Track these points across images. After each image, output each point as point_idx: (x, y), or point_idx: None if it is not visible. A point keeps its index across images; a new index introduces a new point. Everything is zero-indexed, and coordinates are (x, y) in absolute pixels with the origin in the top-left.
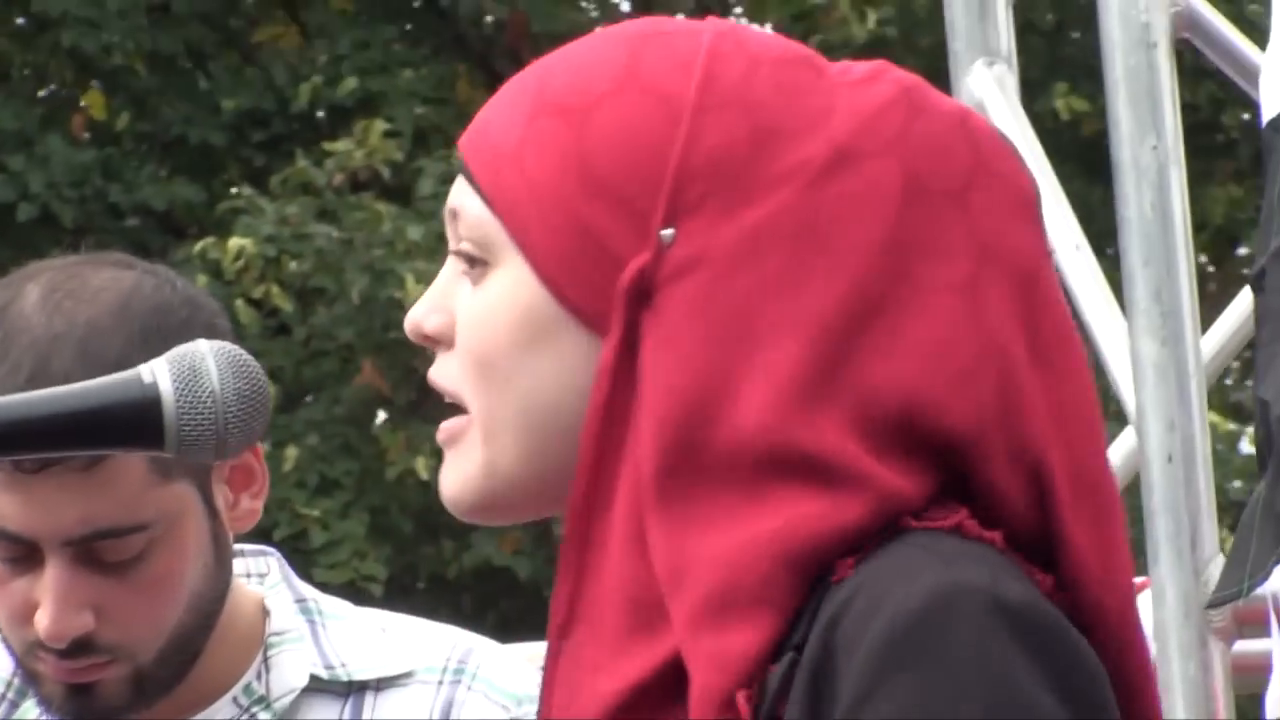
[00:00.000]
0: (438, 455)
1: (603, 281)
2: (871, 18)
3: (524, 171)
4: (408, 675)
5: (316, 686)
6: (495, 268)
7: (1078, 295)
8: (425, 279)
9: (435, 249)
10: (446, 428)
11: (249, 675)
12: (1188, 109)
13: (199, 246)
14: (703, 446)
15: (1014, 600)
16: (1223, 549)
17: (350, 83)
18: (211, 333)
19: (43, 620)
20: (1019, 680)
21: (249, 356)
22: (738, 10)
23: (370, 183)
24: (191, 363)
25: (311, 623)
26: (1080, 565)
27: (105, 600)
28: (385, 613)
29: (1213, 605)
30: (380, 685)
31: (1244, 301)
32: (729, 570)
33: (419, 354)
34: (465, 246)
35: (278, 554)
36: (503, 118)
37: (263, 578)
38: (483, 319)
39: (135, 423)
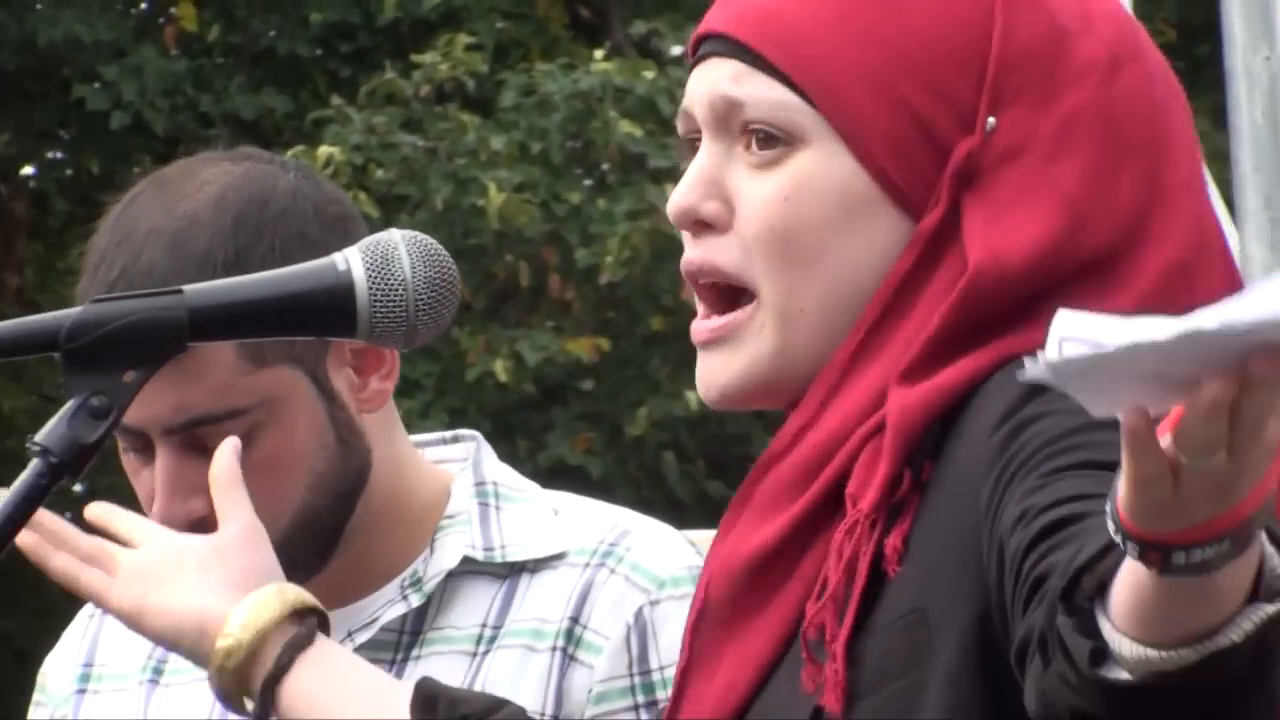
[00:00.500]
0: (515, 358)
1: (925, 165)
2: None
3: (842, 58)
4: (560, 557)
5: (474, 568)
6: (799, 151)
7: None
8: (506, 187)
9: (516, 158)
10: (722, 323)
11: (419, 559)
12: None
13: (289, 154)
14: (1004, 309)
15: None
16: None
17: None
18: (317, 222)
19: (155, 506)
20: None
21: (439, 246)
22: None
23: (454, 94)
24: (384, 251)
25: (484, 505)
26: None
27: None
28: (569, 496)
29: None
30: (536, 566)
31: None
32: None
33: (498, 259)
34: (761, 128)
35: (478, 438)
36: (795, 7)
37: (458, 463)
38: (793, 199)
39: (329, 309)
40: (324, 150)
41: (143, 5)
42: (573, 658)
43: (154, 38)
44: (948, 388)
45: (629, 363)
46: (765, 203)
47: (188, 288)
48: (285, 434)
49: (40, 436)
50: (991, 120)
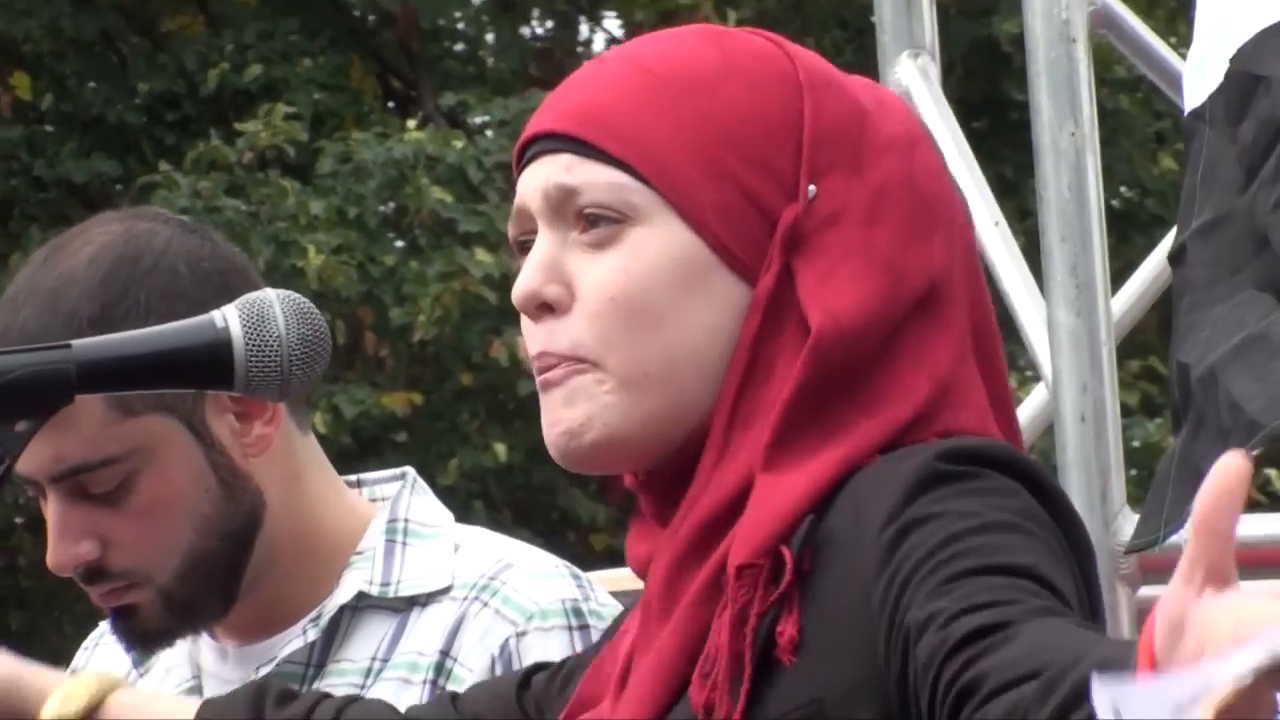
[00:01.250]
0: (334, 411)
1: (755, 231)
2: (732, 17)
3: (667, 138)
4: (445, 591)
5: (373, 603)
6: (634, 227)
7: (997, 268)
8: (324, 249)
9: (334, 222)
10: (570, 386)
11: (328, 596)
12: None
13: None
14: (848, 362)
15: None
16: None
17: (255, 69)
18: (190, 277)
19: (48, 552)
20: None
21: (311, 305)
22: (608, 9)
23: (274, 161)
24: (260, 309)
25: (391, 541)
26: None
27: (104, 529)
28: (479, 531)
29: (1130, 551)
30: (427, 600)
31: (1144, 274)
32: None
33: None
34: (594, 212)
35: (407, 476)
36: (615, 99)
37: (385, 500)
38: (630, 270)
39: (206, 364)
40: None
41: None
42: (441, 690)
43: None
44: (823, 482)
45: (440, 416)
46: (604, 277)
47: (76, 343)
48: (162, 479)
49: None
50: (812, 188)
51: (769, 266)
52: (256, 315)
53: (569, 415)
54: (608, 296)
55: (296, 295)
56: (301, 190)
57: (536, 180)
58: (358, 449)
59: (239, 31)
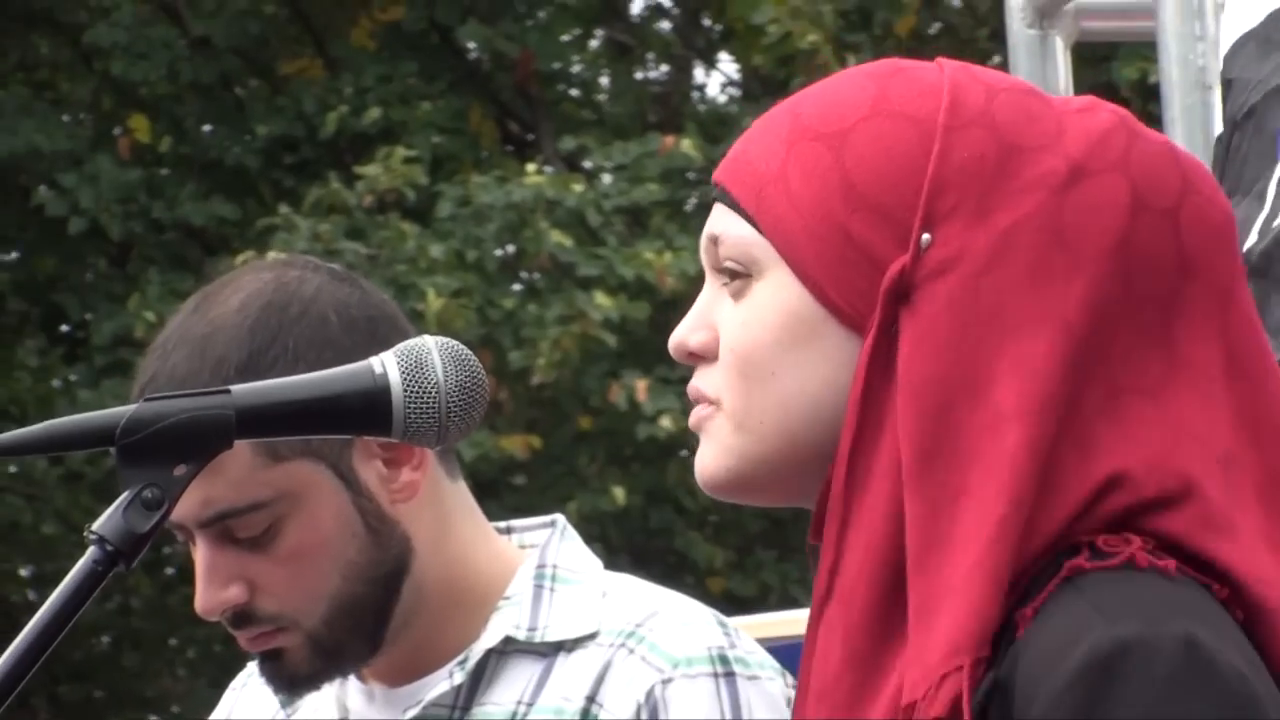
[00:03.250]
0: None
1: (864, 284)
2: (851, 60)
3: (788, 192)
4: (592, 637)
5: (519, 648)
6: (758, 280)
7: None
8: (443, 292)
9: (454, 265)
10: (694, 417)
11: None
12: None
13: (240, 259)
14: (959, 430)
15: (1165, 653)
16: None
17: (374, 113)
18: (339, 325)
19: (196, 596)
20: None
21: (469, 352)
22: (724, 54)
23: (394, 204)
24: (418, 356)
25: (539, 587)
26: (1256, 563)
27: (252, 574)
28: (626, 579)
29: None
30: (573, 646)
31: None
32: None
33: None
34: (729, 265)
35: (556, 523)
36: (760, 147)
37: (534, 547)
38: (748, 323)
39: (364, 411)
40: (272, 256)
41: (97, 116)
42: None
43: (109, 148)
44: (988, 616)
45: (559, 460)
46: (729, 329)
47: (235, 388)
48: (310, 524)
49: (97, 525)
50: (926, 237)
51: (873, 321)
52: (415, 362)
53: (702, 452)
54: (730, 348)
55: (455, 343)
56: (420, 233)
57: (705, 229)
58: (476, 492)
59: (357, 75)
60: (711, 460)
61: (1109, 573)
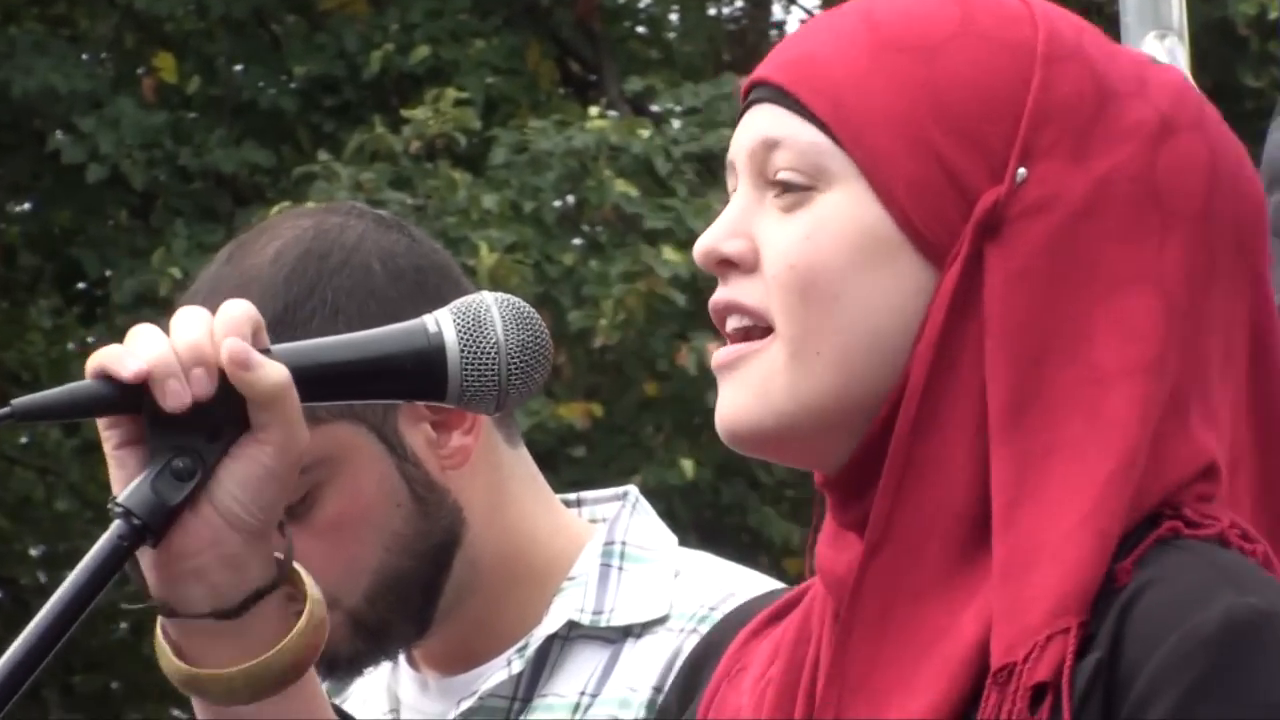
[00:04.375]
0: None
1: (949, 211)
2: None
3: (872, 101)
4: (662, 620)
5: (583, 633)
6: (824, 192)
7: None
8: (497, 247)
9: (508, 217)
10: (732, 351)
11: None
12: None
13: (275, 210)
14: (1053, 383)
15: None
16: None
17: (422, 51)
18: (385, 276)
19: None
20: None
21: (531, 309)
22: None
23: (443, 151)
24: (476, 314)
25: (606, 566)
26: None
27: None
28: (701, 556)
29: None
30: (642, 631)
31: None
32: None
33: None
34: (787, 175)
35: (628, 495)
36: (832, 51)
37: (605, 521)
38: (814, 238)
39: (417, 374)
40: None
41: (119, 54)
42: None
43: (132, 89)
44: (1087, 577)
45: (622, 430)
46: (787, 242)
47: (275, 347)
48: (350, 493)
49: (122, 497)
50: (1022, 171)
51: (958, 253)
52: (473, 320)
53: (736, 393)
54: (787, 263)
55: (516, 299)
56: (473, 183)
57: (747, 132)
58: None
59: (404, 10)
60: (752, 399)
61: (1207, 543)
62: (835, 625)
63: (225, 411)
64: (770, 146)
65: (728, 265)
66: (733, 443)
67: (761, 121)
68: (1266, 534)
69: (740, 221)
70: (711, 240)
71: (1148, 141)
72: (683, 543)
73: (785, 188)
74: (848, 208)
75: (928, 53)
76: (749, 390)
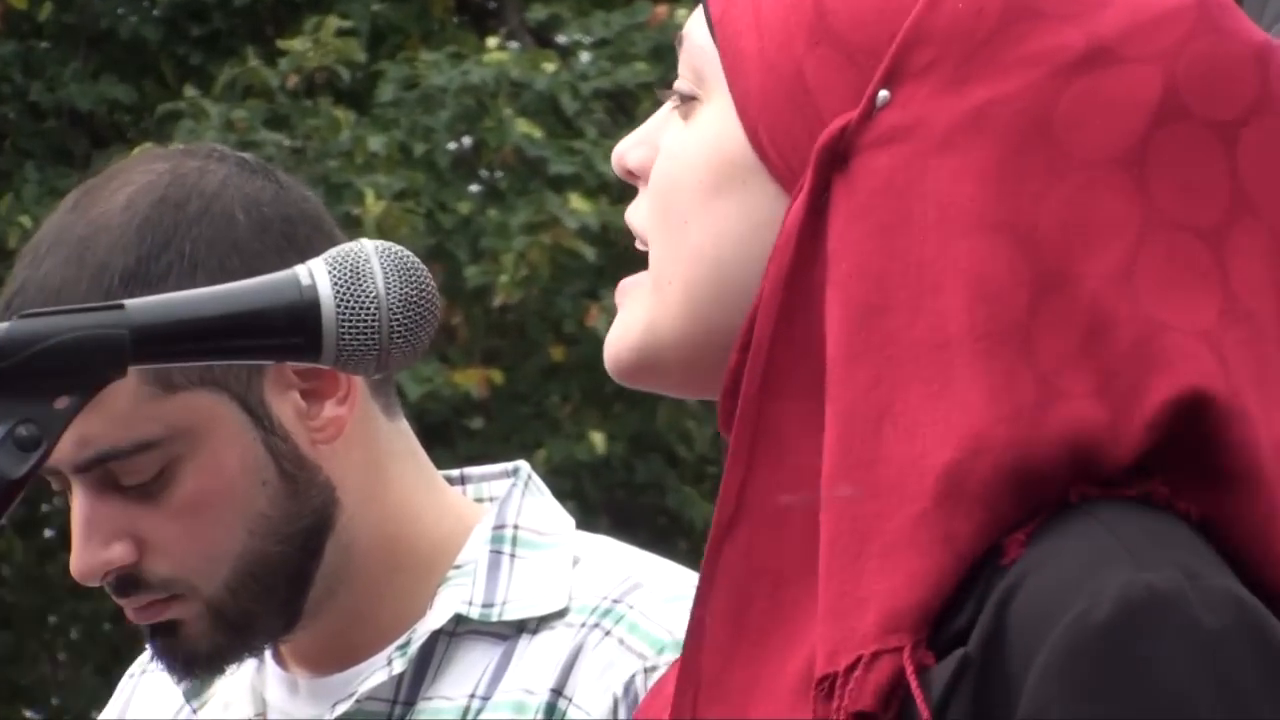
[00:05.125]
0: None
1: (805, 135)
2: None
3: (758, 4)
4: (560, 615)
5: (473, 628)
6: (705, 103)
7: None
8: (385, 194)
9: (396, 161)
10: (624, 283)
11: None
12: None
13: (136, 152)
14: (894, 339)
15: (1211, 610)
16: None
17: None
18: (249, 225)
19: (72, 557)
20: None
21: (416, 260)
22: None
23: (324, 87)
24: (354, 265)
25: (497, 553)
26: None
27: (141, 529)
28: (602, 540)
29: None
30: (538, 626)
31: None
32: (912, 480)
33: None
34: (678, 81)
35: (520, 471)
36: None
37: (493, 501)
38: (675, 156)
39: (288, 330)
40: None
41: None
42: None
43: None
44: (938, 570)
45: (524, 399)
46: (659, 162)
47: (129, 302)
48: (210, 469)
49: None
50: (884, 94)
51: (803, 184)
52: (350, 272)
53: (614, 328)
54: (651, 182)
55: (399, 248)
56: (357, 122)
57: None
58: (423, 437)
59: None
60: (620, 331)
61: (1123, 505)
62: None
63: (72, 373)
64: (679, 43)
65: (633, 177)
66: (614, 374)
67: (689, 21)
68: None
69: (652, 128)
70: (621, 148)
71: (1059, 71)
72: (592, 525)
73: (679, 94)
74: (713, 122)
75: None
76: (620, 323)
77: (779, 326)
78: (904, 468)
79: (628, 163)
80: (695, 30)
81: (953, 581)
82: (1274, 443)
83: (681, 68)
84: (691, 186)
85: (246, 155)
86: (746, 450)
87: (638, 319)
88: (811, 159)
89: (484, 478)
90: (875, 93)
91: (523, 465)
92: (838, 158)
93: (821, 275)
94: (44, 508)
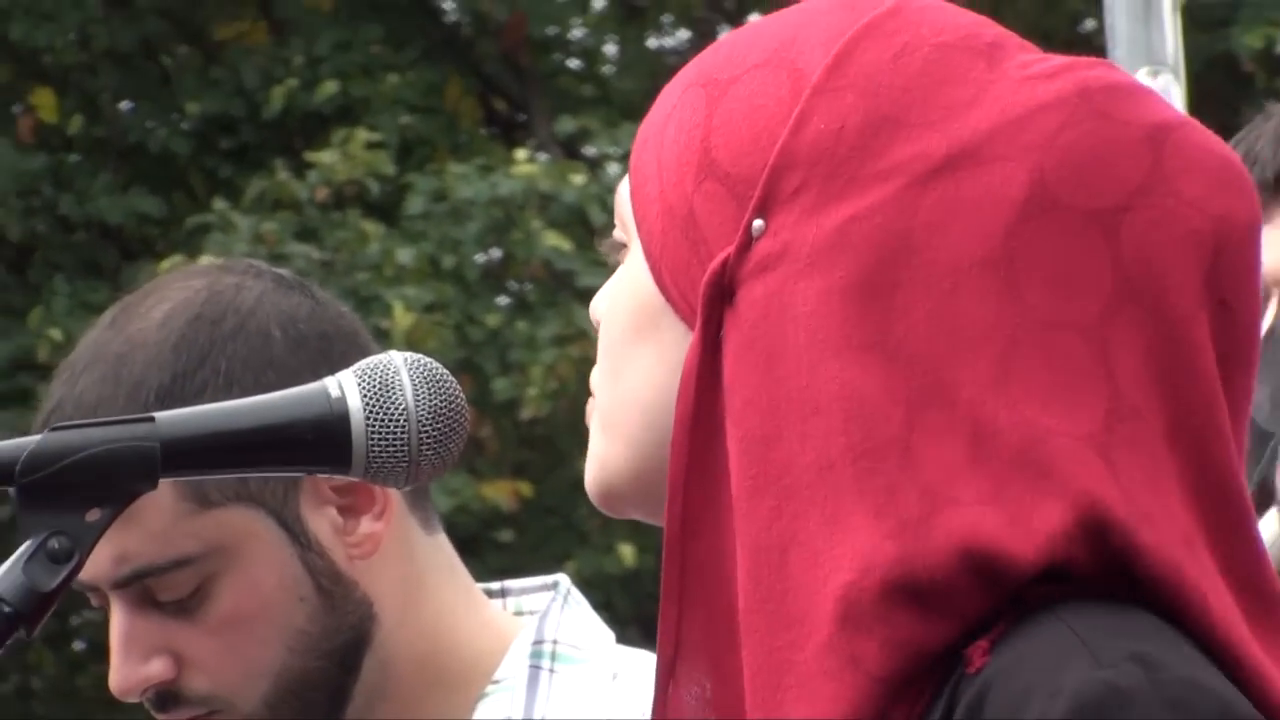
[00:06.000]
0: None
1: (700, 272)
2: None
3: (660, 147)
4: None
5: None
6: (629, 251)
7: None
8: (414, 306)
9: (425, 273)
10: (589, 406)
11: None
12: None
13: (165, 265)
14: (787, 467)
15: (1169, 706)
16: None
17: (330, 87)
18: (284, 343)
19: (110, 674)
20: None
21: (445, 371)
22: (755, 15)
23: (353, 199)
24: (383, 376)
25: (535, 668)
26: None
27: (180, 646)
28: (637, 653)
29: None
30: None
31: None
32: (824, 613)
33: None
34: (616, 229)
35: (559, 584)
36: (666, 90)
37: (533, 614)
38: (608, 305)
39: (319, 443)
40: (205, 261)
41: None
42: None
43: (7, 129)
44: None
45: (553, 511)
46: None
47: (160, 415)
48: (247, 585)
49: None
50: (759, 224)
51: (697, 323)
52: (379, 384)
53: (588, 455)
54: (599, 332)
55: (427, 360)
56: (386, 234)
57: None
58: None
59: (310, 41)
60: (587, 465)
61: (1089, 603)
62: None
63: (103, 486)
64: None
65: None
66: (598, 506)
67: None
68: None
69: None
70: (594, 301)
71: (916, 180)
72: (623, 638)
73: (616, 243)
74: (631, 268)
75: (722, 87)
76: (588, 455)
77: (690, 467)
78: (810, 595)
79: (593, 315)
80: (622, 183)
81: (872, 704)
82: (1180, 539)
83: (615, 215)
84: (618, 336)
85: (283, 271)
86: (676, 592)
87: (594, 456)
88: (700, 298)
89: (524, 590)
90: (750, 223)
91: (562, 578)
92: (724, 292)
93: (722, 411)
94: (74, 620)
